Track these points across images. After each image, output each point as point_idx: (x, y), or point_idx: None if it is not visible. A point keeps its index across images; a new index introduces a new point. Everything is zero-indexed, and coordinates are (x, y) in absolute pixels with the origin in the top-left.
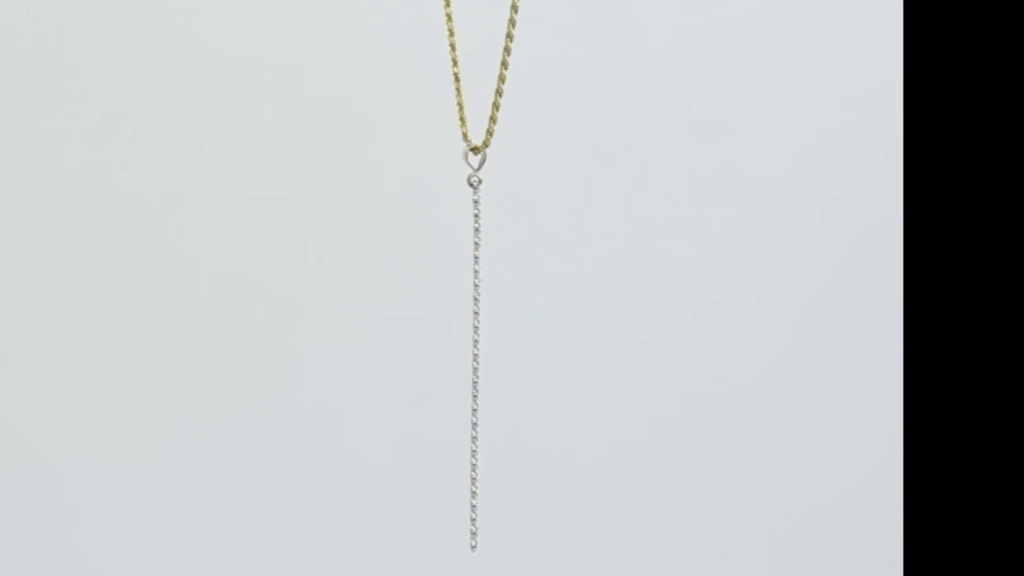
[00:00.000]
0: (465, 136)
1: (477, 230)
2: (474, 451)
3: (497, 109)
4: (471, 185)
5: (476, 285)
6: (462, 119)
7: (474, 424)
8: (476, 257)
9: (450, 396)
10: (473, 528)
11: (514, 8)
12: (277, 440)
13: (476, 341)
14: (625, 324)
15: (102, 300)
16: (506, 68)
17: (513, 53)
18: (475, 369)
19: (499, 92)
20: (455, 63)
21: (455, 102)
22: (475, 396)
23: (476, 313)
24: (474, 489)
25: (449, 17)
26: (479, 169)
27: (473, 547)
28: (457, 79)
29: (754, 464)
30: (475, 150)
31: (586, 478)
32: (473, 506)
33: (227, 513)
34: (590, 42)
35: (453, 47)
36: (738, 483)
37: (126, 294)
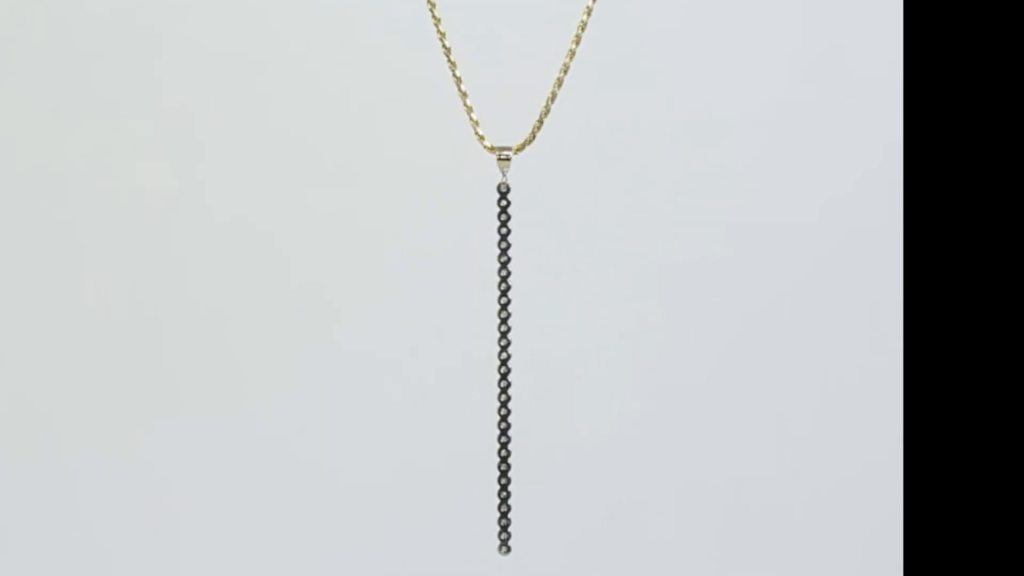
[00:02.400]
0: (481, 138)
1: (505, 235)
2: (504, 456)
3: (552, 102)
4: (501, 191)
5: (505, 290)
6: (473, 121)
7: (503, 430)
8: (503, 262)
9: (474, 399)
10: (504, 534)
11: (587, 11)
12: (298, 440)
13: (504, 345)
14: (625, 324)
15: (101, 300)
16: (570, 61)
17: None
18: (502, 373)
19: (556, 87)
20: (454, 65)
21: (463, 105)
22: (504, 401)
23: (505, 318)
24: (504, 494)
25: (437, 20)
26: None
27: (507, 551)
28: (459, 81)
29: (753, 463)
30: (510, 151)
31: (585, 480)
32: (504, 512)
33: (240, 516)
34: (589, 41)
35: (448, 50)
36: (738, 483)
37: (128, 295)
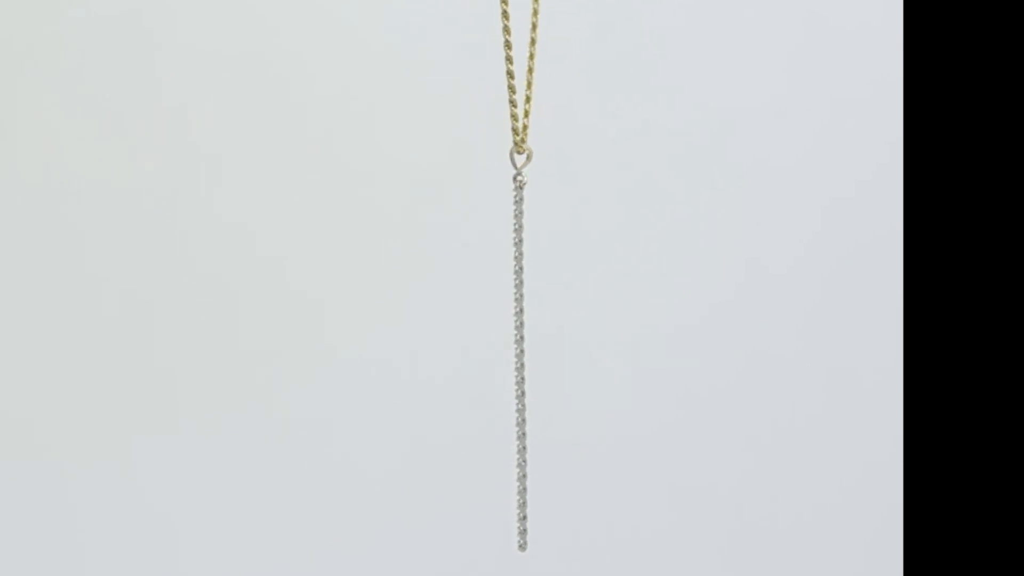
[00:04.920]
0: (516, 131)
1: (519, 229)
2: (521, 450)
3: (528, 102)
4: (518, 185)
5: (519, 284)
6: (514, 116)
7: (520, 424)
8: (517, 257)
9: (492, 392)
10: (522, 527)
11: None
12: (312, 438)
13: (519, 339)
14: (626, 323)
15: (99, 301)
16: (533, 59)
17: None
18: (518, 368)
19: (529, 87)
20: (509, 61)
21: (508, 101)
22: (519, 396)
23: (519, 312)
24: (522, 488)
25: (506, 16)
26: (523, 167)
27: (523, 546)
28: (511, 76)
29: (752, 463)
30: (521, 150)
31: (601, 477)
32: (522, 505)
33: (248, 518)
34: (589, 41)
35: (508, 46)
36: (738, 483)
37: (128, 295)
